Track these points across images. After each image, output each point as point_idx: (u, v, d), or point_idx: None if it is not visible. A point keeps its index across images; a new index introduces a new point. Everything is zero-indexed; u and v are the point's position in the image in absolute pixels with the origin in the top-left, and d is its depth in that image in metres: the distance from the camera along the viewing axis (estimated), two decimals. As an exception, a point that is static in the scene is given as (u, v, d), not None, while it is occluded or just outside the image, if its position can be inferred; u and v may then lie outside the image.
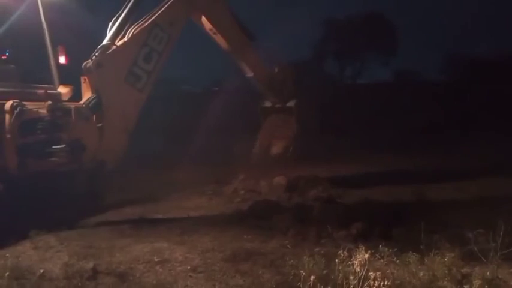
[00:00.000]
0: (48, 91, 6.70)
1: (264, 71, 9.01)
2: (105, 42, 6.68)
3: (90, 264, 4.63)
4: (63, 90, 7.07)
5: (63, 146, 6.04)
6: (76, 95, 6.91)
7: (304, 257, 4.10)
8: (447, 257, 4.10)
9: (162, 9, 7.05)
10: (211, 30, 8.03)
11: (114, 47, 6.63)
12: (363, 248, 3.90)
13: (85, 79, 6.61)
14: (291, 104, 9.32)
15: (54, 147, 6.03)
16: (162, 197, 8.35)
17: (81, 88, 6.76)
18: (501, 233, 4.20)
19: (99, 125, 6.52)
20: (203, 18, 7.95)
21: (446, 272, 4.05)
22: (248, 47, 8.52)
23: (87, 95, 6.59)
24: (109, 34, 6.77)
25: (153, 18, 6.93)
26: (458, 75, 27.98)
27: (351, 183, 9.01)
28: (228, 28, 8.12)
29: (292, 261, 4.47)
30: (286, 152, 9.12)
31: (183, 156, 10.80)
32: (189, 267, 4.66)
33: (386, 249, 4.34)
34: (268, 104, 9.57)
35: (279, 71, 9.28)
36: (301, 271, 3.75)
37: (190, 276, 4.48)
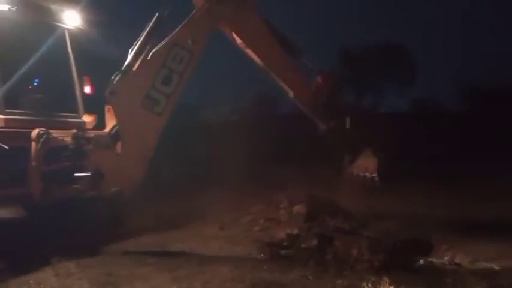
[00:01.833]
0: (73, 119, 6.87)
1: (306, 90, 7.64)
2: (123, 67, 6.54)
3: (110, 292, 4.62)
4: (87, 118, 7.25)
5: (84, 173, 6.09)
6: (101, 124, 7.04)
7: (327, 289, 4.02)
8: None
9: (181, 27, 6.64)
10: (241, 44, 7.20)
11: (131, 72, 6.49)
12: (387, 281, 3.81)
13: (109, 108, 6.71)
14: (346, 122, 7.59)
15: (76, 174, 6.11)
16: (182, 225, 8.34)
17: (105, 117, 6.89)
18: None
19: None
20: None
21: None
22: (286, 63, 7.45)
23: (111, 123, 6.68)
24: (128, 59, 6.62)
25: (171, 37, 6.56)
26: (475, 105, 27.82)
27: (371, 213, 8.85)
28: (260, 42, 7.17)
29: (313, 293, 4.37)
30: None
31: (202, 184, 10.81)
32: (208, 298, 4.60)
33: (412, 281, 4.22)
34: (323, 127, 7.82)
35: (324, 81, 7.64)
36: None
37: (210, 306, 4.42)
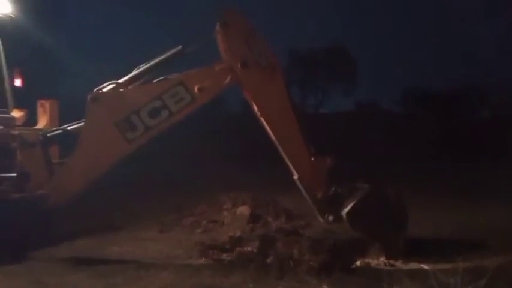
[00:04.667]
0: (1, 115, 6.39)
1: (311, 176, 6.35)
2: (120, 81, 6.25)
3: (38, 303, 4.35)
4: (17, 114, 6.78)
5: (10, 174, 5.70)
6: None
7: (266, 295, 4.00)
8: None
9: (196, 70, 6.26)
10: (257, 112, 6.38)
11: (123, 88, 6.23)
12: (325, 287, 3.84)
13: (41, 103, 6.34)
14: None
15: (1, 174, 5.70)
16: (119, 227, 8.02)
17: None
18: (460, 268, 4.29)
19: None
20: None
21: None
22: (298, 142, 6.37)
23: (43, 120, 6.31)
24: (129, 75, 6.32)
25: (180, 75, 6.19)
26: (413, 106, 29.94)
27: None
28: (277, 116, 6.31)
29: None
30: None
31: (143, 183, 10.50)
32: (145, 306, 4.44)
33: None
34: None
35: (315, 164, 6.39)
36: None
37: (146, 315, 4.27)
